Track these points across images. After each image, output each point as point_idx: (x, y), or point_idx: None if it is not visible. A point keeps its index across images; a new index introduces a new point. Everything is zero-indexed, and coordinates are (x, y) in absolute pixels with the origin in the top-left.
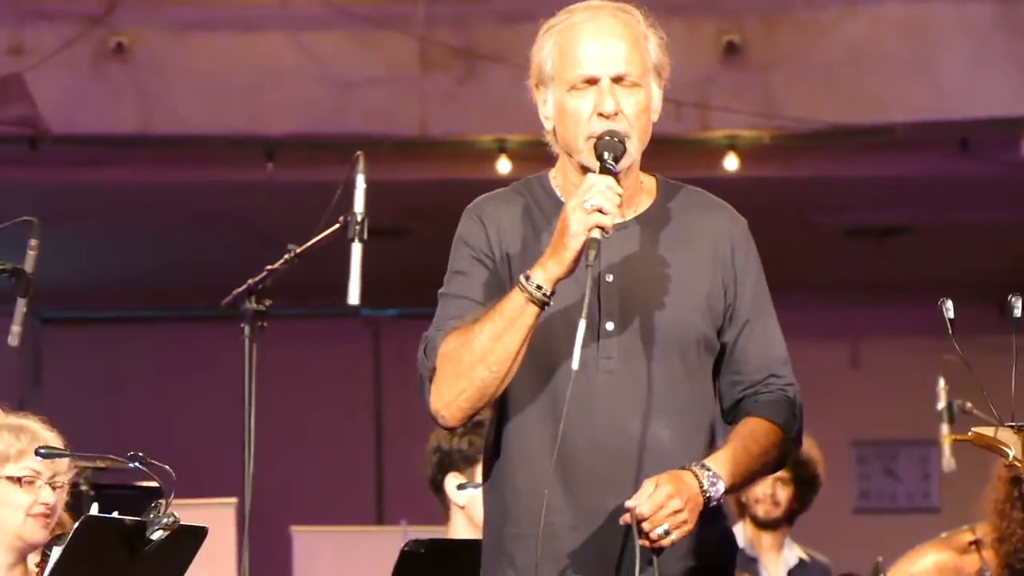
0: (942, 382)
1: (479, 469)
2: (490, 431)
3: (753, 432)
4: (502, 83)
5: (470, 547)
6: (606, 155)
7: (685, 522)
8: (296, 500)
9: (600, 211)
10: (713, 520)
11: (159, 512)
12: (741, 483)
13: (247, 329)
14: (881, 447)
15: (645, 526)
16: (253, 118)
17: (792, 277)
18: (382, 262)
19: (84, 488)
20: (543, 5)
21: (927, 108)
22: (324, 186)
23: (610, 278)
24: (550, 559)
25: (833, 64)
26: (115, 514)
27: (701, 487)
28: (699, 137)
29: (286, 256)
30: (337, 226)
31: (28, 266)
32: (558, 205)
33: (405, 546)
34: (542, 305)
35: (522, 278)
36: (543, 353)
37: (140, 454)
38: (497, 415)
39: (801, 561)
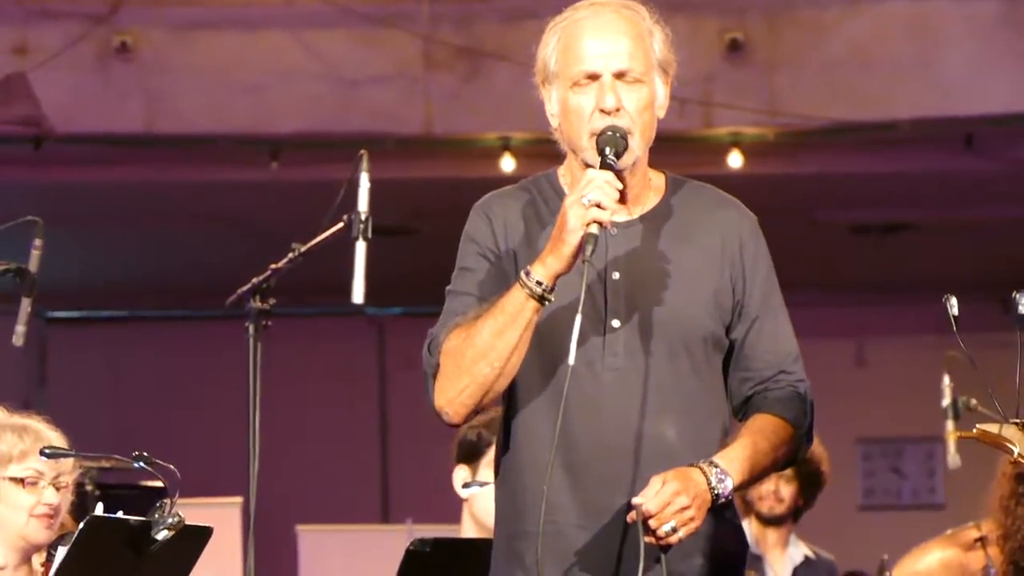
0: (947, 379)
1: (485, 462)
2: (500, 427)
3: (763, 428)
4: (506, 81)
5: (475, 546)
6: (607, 150)
7: (692, 519)
8: (301, 499)
9: (598, 206)
10: (722, 517)
11: (164, 512)
12: (750, 480)
13: (251, 328)
14: (886, 444)
15: (652, 523)
16: (257, 117)
17: (796, 274)
18: (386, 261)
19: (89, 488)
20: (547, 3)
21: (931, 105)
22: (328, 185)
23: (616, 275)
24: (557, 558)
25: (837, 61)
26: (120, 514)
27: (709, 484)
28: (703, 134)
29: (290, 255)
30: (341, 225)
31: (32, 266)
32: None
33: (410, 545)
34: (542, 300)
35: (522, 274)
36: (550, 350)
37: (145, 454)
38: (506, 411)
39: (806, 558)
